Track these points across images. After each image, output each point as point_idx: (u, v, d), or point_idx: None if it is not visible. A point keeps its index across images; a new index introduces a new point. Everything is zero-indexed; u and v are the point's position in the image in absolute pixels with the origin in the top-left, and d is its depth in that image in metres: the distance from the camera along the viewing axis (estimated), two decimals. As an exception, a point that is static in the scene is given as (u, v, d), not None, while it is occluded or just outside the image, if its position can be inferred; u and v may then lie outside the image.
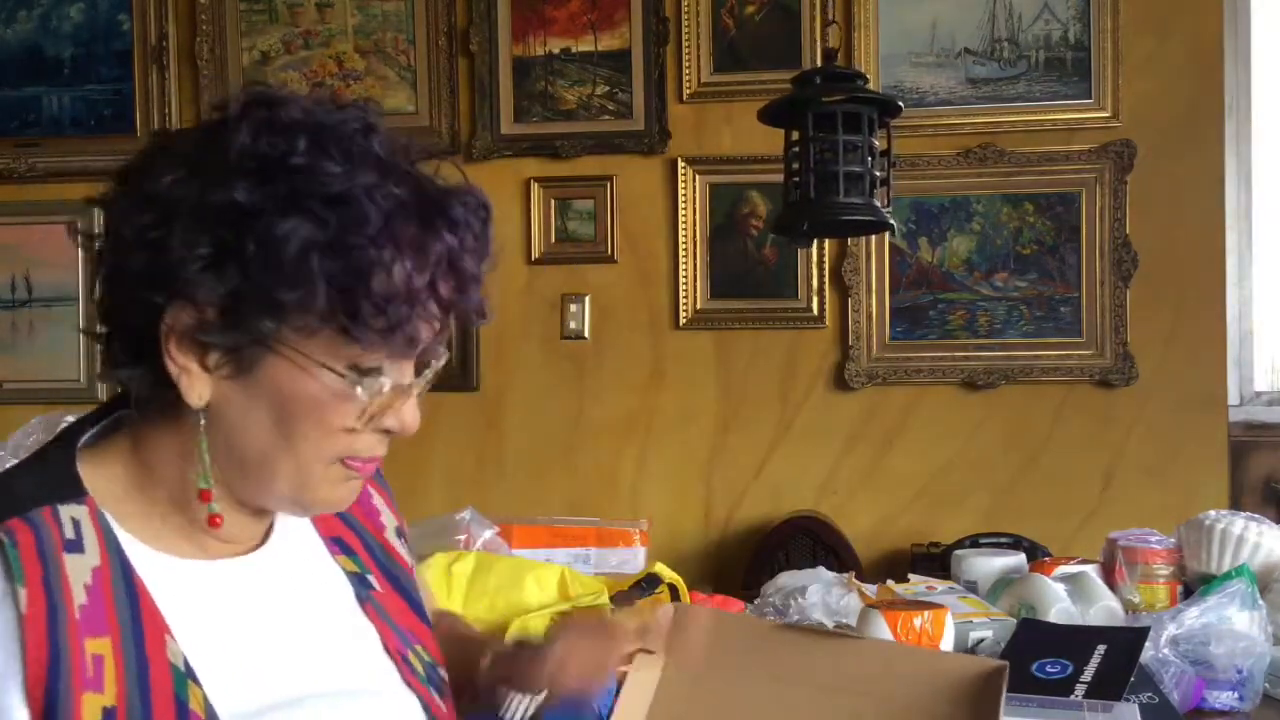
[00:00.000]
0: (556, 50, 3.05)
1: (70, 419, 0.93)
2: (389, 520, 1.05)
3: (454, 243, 0.82)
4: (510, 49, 3.06)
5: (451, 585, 1.55)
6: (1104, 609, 1.60)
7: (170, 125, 3.12)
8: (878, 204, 1.74)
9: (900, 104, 1.76)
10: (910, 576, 1.87)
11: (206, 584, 0.86)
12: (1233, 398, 2.91)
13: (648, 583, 1.62)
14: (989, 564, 1.82)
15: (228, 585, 0.87)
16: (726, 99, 2.99)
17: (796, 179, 1.74)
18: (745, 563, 2.84)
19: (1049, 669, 1.34)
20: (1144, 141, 2.85)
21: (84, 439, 0.87)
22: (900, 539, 2.93)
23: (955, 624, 1.46)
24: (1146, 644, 1.37)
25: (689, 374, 3.04)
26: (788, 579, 1.78)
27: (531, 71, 3.06)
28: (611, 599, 1.57)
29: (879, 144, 1.74)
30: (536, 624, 1.47)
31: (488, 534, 1.80)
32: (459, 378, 3.09)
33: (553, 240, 3.07)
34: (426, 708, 0.94)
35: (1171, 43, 2.85)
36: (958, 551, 1.91)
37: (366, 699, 0.91)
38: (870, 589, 1.73)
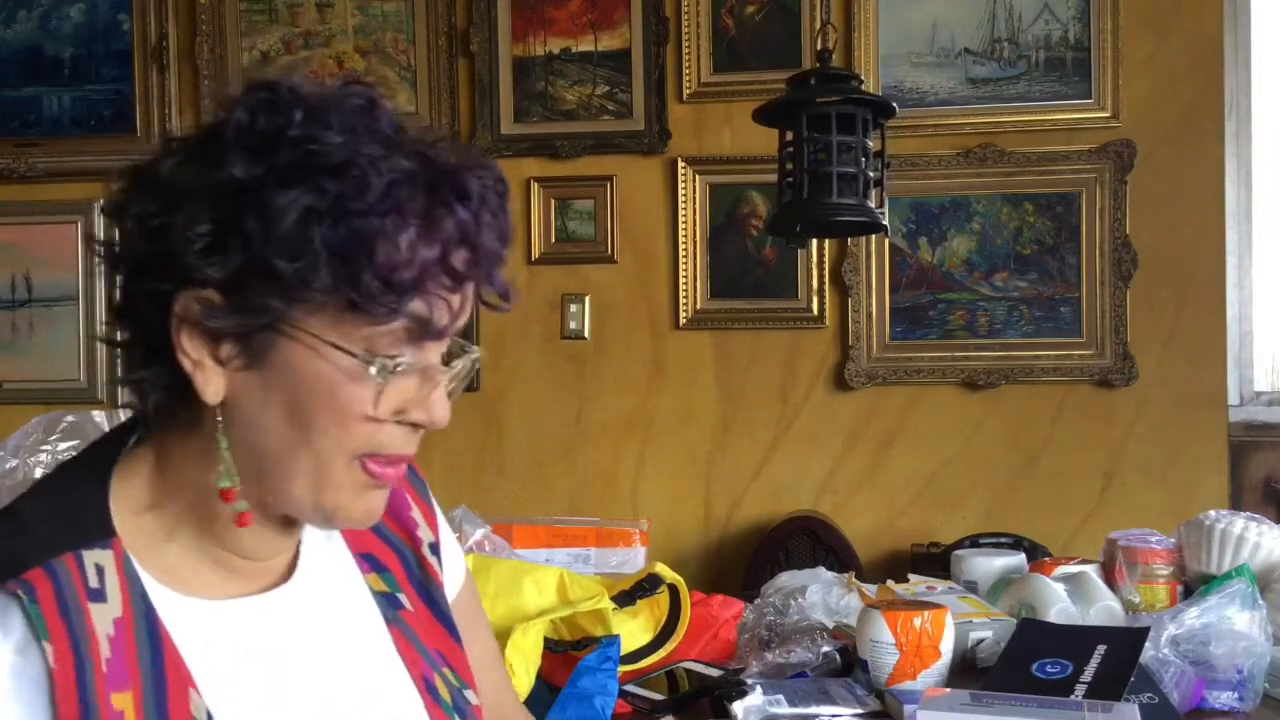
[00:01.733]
0: (556, 50, 3.05)
1: (70, 419, 0.92)
2: (425, 534, 0.99)
3: (466, 216, 0.78)
4: (510, 49, 3.06)
5: (451, 586, 1.55)
6: (1104, 609, 1.60)
7: (170, 125, 3.13)
8: (871, 205, 1.74)
9: (894, 105, 1.76)
10: (910, 576, 1.87)
11: (233, 626, 0.83)
12: (1233, 398, 2.91)
13: (648, 583, 1.62)
14: (989, 564, 1.83)
15: (255, 625, 0.84)
16: (726, 99, 2.99)
17: (791, 179, 1.75)
18: (745, 563, 2.84)
19: (1049, 669, 1.34)
20: (1144, 141, 2.85)
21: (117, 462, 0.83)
22: (900, 539, 2.93)
23: (955, 624, 1.47)
24: (1146, 644, 1.36)
25: (689, 374, 3.04)
26: (788, 579, 1.78)
27: (531, 71, 3.06)
28: (612, 599, 1.57)
29: (873, 145, 1.74)
30: (535, 630, 1.46)
31: (480, 533, 1.79)
32: (459, 378, 3.09)
33: (553, 240, 3.07)
34: None
35: (1171, 43, 2.85)
36: (958, 551, 1.91)
37: None
38: (870, 589, 1.73)
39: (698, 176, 3.01)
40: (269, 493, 0.81)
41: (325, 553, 0.92)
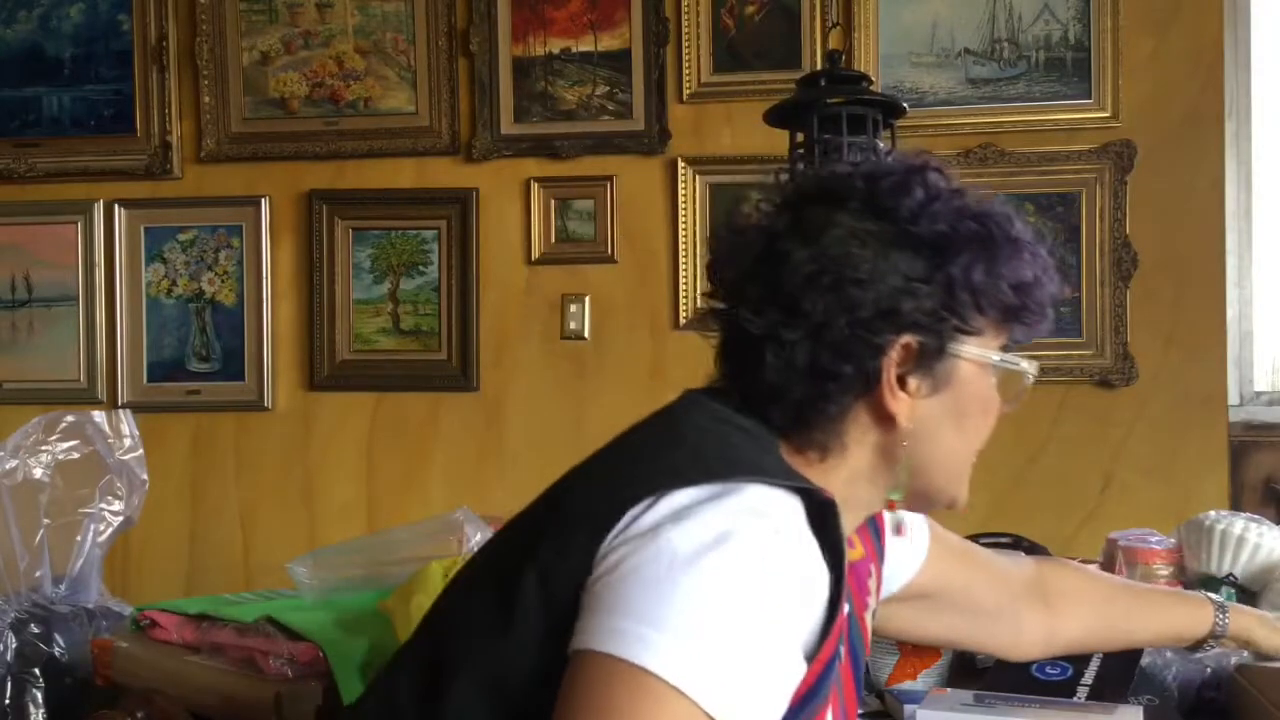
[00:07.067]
0: (556, 50, 3.05)
1: (70, 419, 0.92)
2: (873, 600, 1.10)
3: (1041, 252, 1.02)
4: (510, 49, 3.06)
5: (452, 587, 1.54)
6: (1104, 610, 1.59)
7: (170, 125, 3.12)
8: (879, 205, 1.74)
9: (904, 105, 1.77)
10: (911, 577, 1.86)
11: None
12: (1233, 398, 2.91)
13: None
14: (989, 564, 1.82)
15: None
16: (726, 99, 2.99)
17: (799, 180, 1.75)
18: (745, 563, 2.83)
19: (1049, 670, 1.34)
20: (1144, 141, 2.85)
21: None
22: (900, 539, 2.92)
23: (956, 625, 1.46)
24: (1147, 645, 1.36)
25: (689, 374, 3.01)
26: (788, 579, 1.77)
27: (531, 71, 3.06)
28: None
29: (883, 145, 1.75)
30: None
31: (480, 534, 1.79)
32: (459, 378, 3.09)
33: (553, 240, 3.07)
34: None
35: (1171, 43, 2.85)
36: (958, 552, 1.90)
37: None
38: (871, 590, 1.73)
39: (698, 177, 3.01)
40: (911, 492, 0.98)
41: None
